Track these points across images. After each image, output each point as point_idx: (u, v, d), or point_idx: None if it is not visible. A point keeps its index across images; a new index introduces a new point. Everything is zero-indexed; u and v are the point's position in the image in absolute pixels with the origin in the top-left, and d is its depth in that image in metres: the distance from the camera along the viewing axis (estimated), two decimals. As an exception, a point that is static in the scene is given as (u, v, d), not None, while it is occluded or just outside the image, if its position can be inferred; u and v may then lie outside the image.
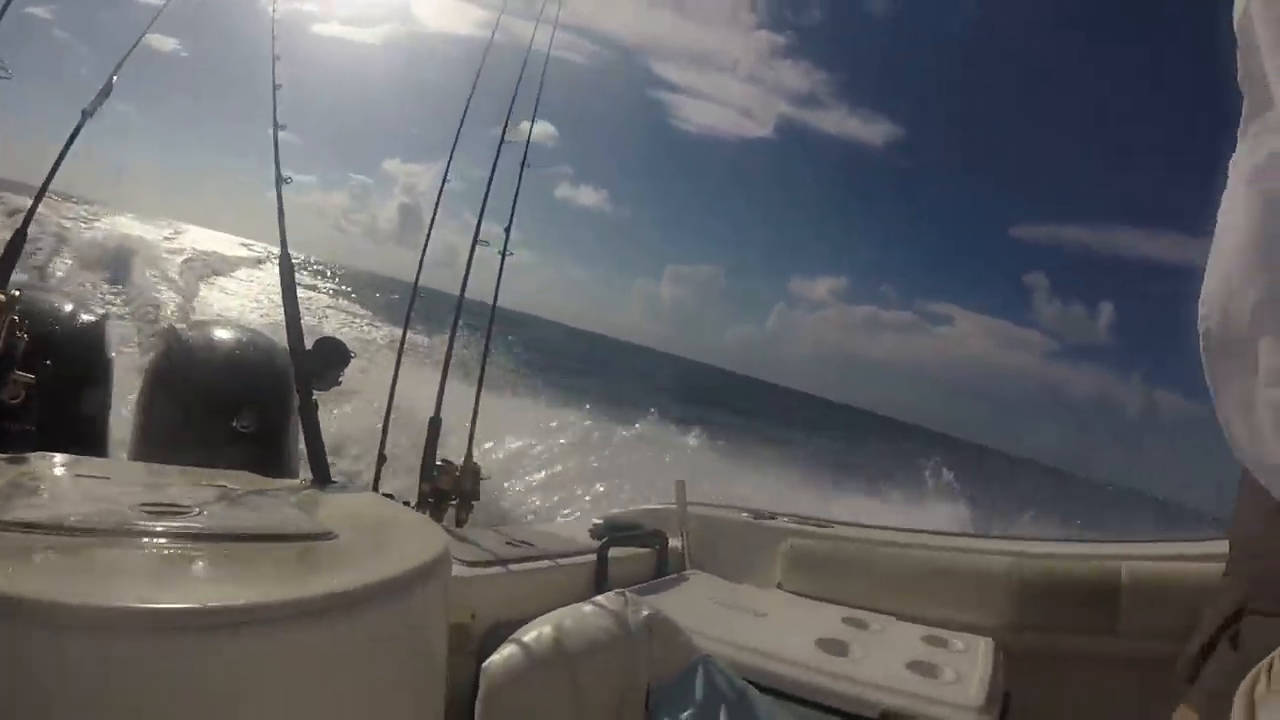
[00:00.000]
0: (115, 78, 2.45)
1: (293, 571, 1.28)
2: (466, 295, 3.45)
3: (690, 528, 3.12)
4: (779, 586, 2.92)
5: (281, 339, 3.17)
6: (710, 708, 1.62)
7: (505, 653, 1.61)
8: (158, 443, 3.06)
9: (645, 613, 1.73)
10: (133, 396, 3.15)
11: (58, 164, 2.35)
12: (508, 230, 3.61)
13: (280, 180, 2.51)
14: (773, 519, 3.24)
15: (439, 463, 3.25)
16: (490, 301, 3.60)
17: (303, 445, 2.40)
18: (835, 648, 2.21)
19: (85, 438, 2.95)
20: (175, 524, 1.33)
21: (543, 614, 1.79)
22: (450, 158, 3.63)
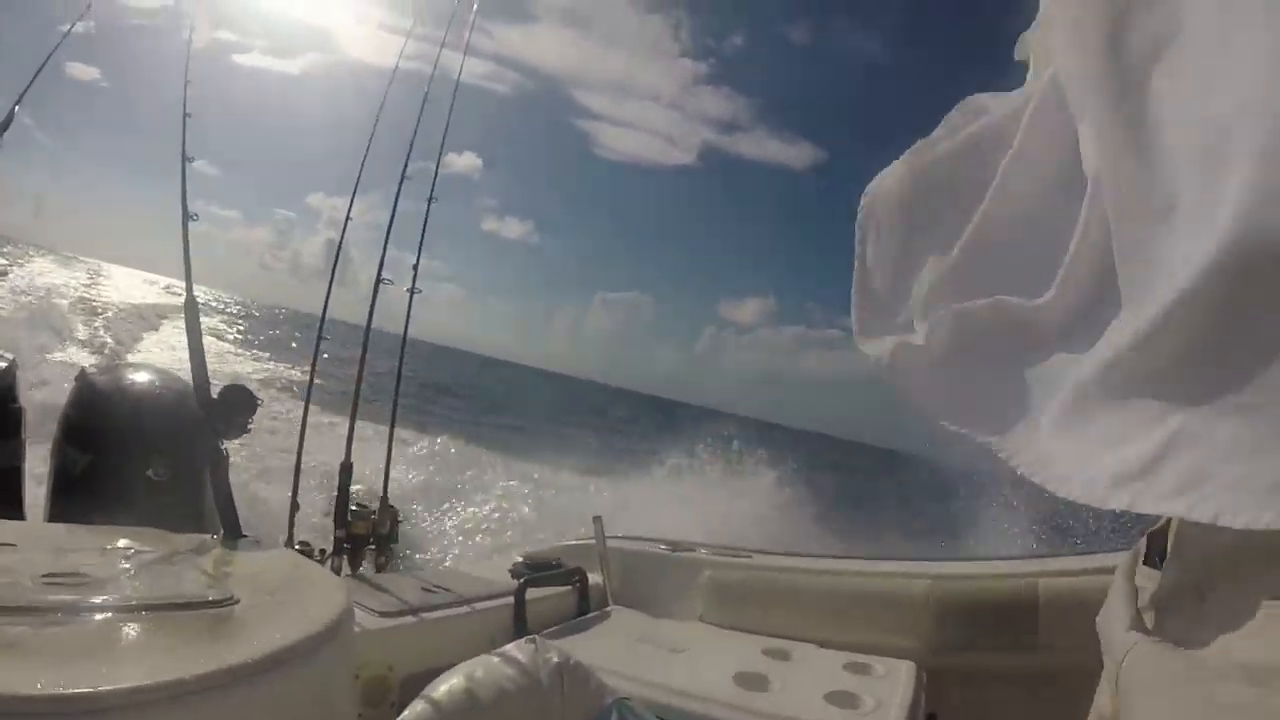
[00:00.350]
0: (18, 107, 2.38)
1: (191, 644, 1.26)
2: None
3: (610, 563, 3.09)
4: (700, 619, 2.90)
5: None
6: (625, 754, 1.60)
7: (416, 710, 1.54)
8: (72, 494, 2.99)
9: (555, 660, 1.69)
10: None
11: None
12: (415, 267, 3.60)
13: (186, 216, 2.45)
14: (691, 550, 3.23)
15: (353, 508, 3.19)
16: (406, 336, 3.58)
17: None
18: (754, 682, 2.19)
19: (1, 494, 2.91)
20: (75, 597, 1.32)
21: (460, 662, 1.77)
22: (355, 191, 3.61)
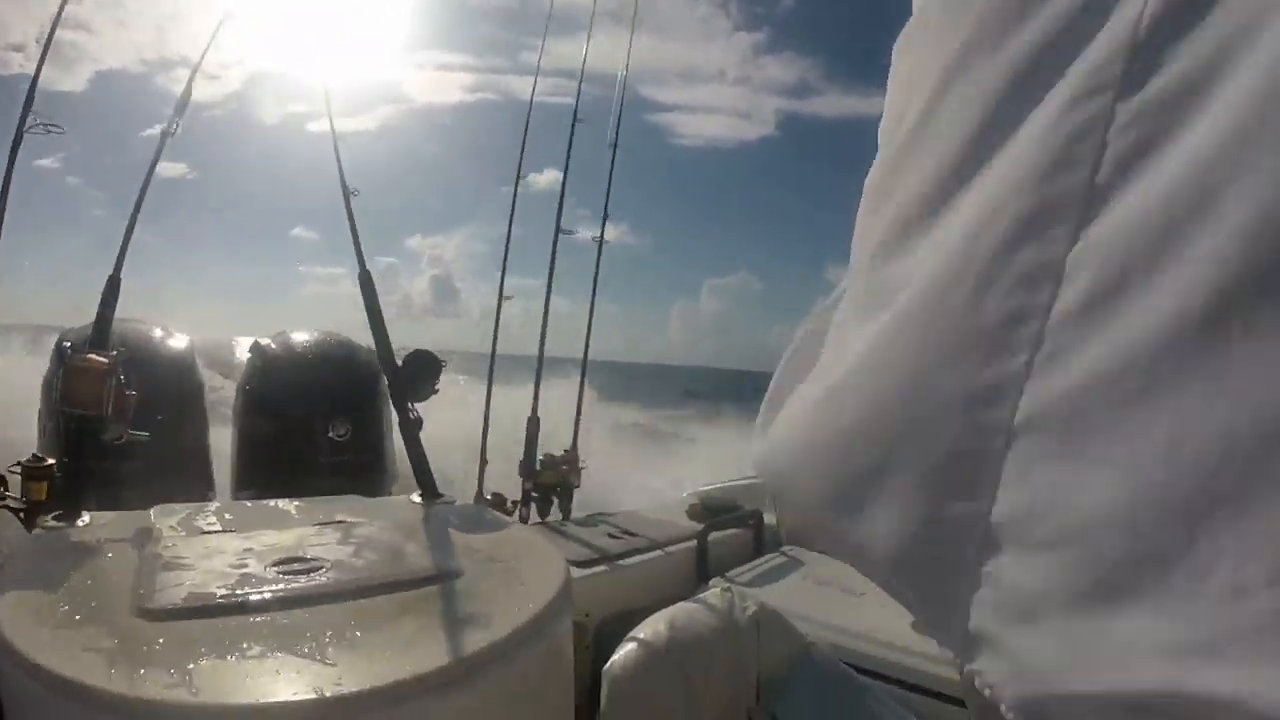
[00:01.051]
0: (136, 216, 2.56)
1: (435, 627, 1.32)
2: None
3: None
4: None
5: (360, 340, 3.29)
6: (819, 698, 1.71)
7: (623, 654, 1.69)
8: (259, 461, 3.23)
9: (752, 608, 1.80)
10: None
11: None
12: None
13: (347, 194, 2.60)
14: None
15: (540, 457, 3.38)
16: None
17: (401, 454, 2.49)
18: None
19: (192, 469, 3.12)
20: (309, 584, 1.41)
21: (650, 605, 1.87)
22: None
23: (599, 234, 3.67)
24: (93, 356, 1.85)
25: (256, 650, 1.16)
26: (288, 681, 1.09)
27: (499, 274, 3.66)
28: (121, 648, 1.14)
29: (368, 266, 2.47)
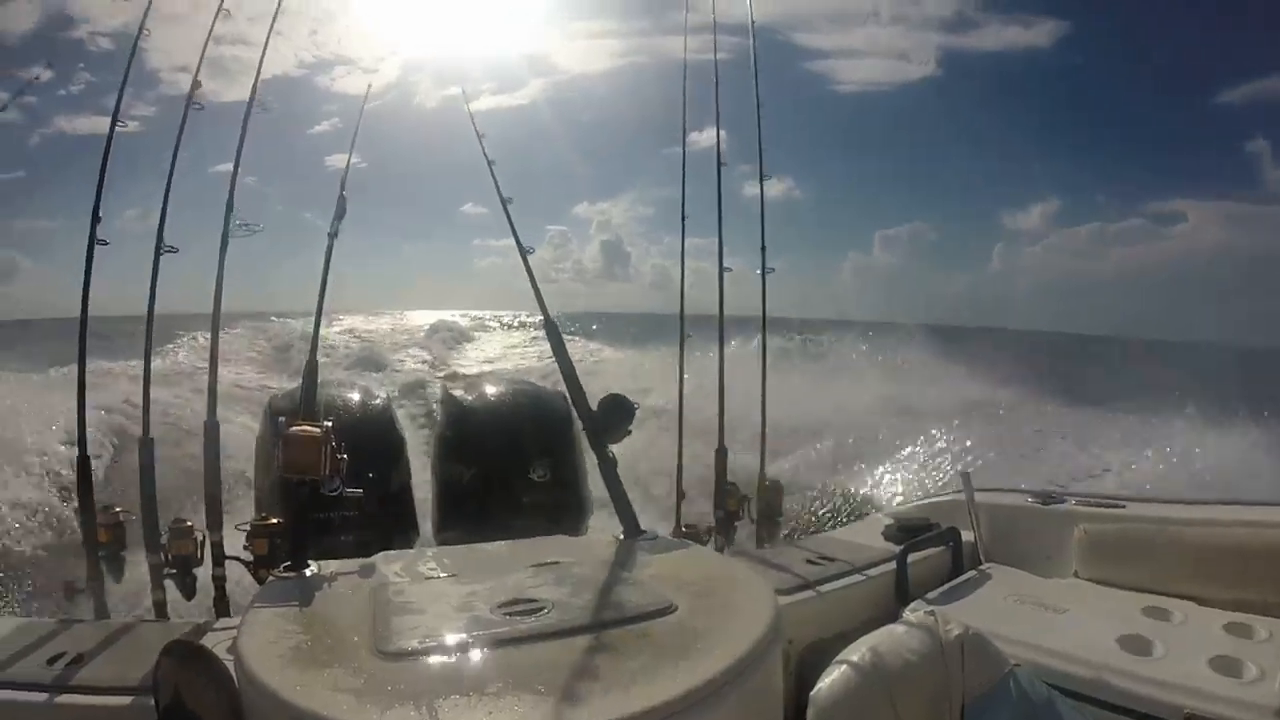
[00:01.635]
0: (345, 194, 2.85)
1: (658, 661, 1.43)
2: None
3: (980, 519, 3.15)
4: (1075, 575, 2.92)
5: (548, 385, 3.50)
6: (1024, 720, 1.75)
7: (829, 681, 1.76)
8: (461, 504, 3.45)
9: (956, 631, 1.84)
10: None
11: (324, 286, 2.71)
12: (763, 250, 3.81)
13: (524, 251, 2.79)
14: (1061, 502, 3.23)
15: (727, 486, 3.53)
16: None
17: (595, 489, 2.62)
18: (1136, 645, 2.23)
19: (397, 514, 3.38)
20: (534, 624, 1.55)
21: (851, 630, 1.95)
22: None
23: (761, 267, 3.78)
24: (307, 428, 2.14)
25: (493, 688, 1.31)
26: (525, 718, 1.23)
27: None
28: (367, 686, 1.32)
29: (525, 245, 2.71)
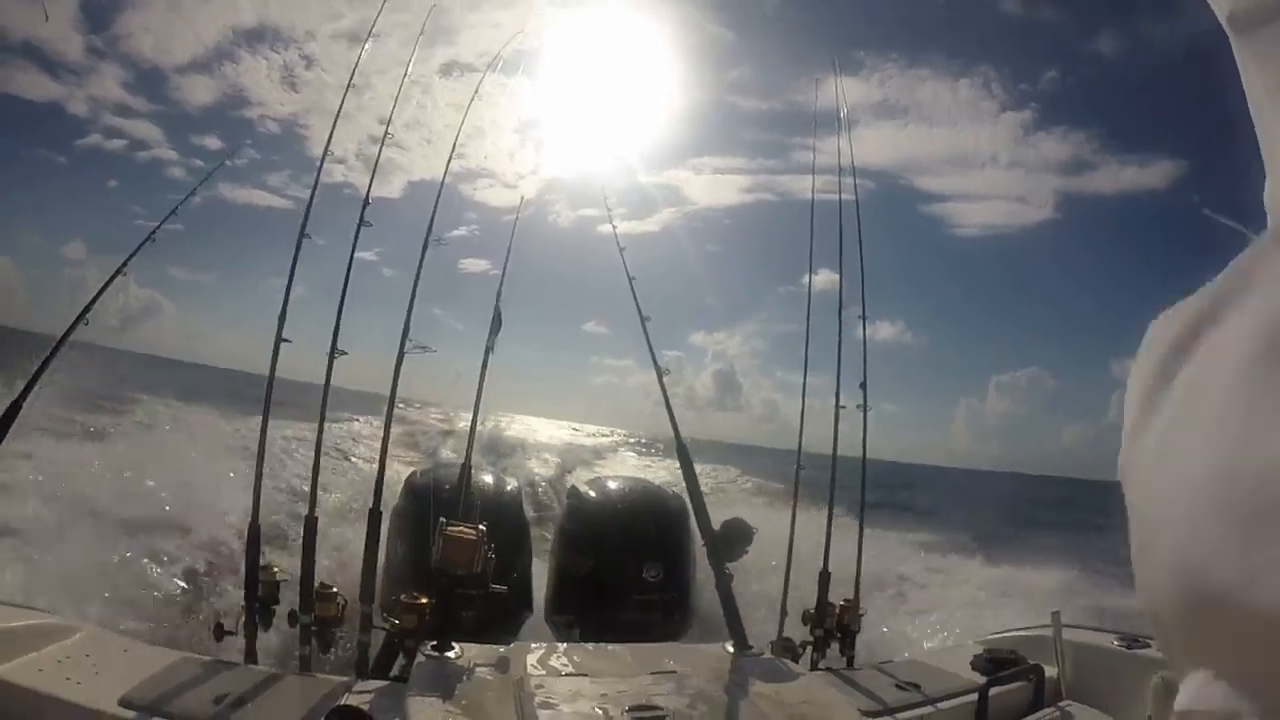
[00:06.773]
0: (501, 309, 3.12)
1: None
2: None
3: (1065, 657, 3.22)
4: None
5: (668, 485, 3.62)
6: None
7: None
8: (576, 594, 3.66)
9: None
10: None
11: (479, 395, 3.06)
12: (863, 387, 3.98)
13: (660, 371, 3.01)
14: (1147, 645, 3.24)
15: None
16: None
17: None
18: None
19: (518, 594, 3.53)
20: None
21: None
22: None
23: (864, 404, 3.96)
24: (465, 531, 2.46)
25: None
26: None
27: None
28: None
29: (661, 364, 2.86)
